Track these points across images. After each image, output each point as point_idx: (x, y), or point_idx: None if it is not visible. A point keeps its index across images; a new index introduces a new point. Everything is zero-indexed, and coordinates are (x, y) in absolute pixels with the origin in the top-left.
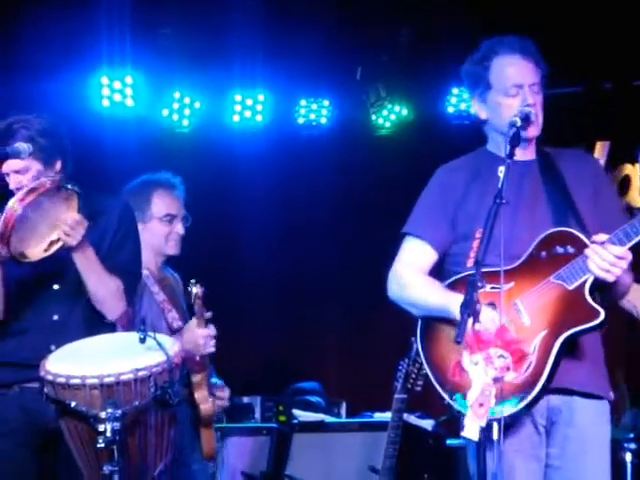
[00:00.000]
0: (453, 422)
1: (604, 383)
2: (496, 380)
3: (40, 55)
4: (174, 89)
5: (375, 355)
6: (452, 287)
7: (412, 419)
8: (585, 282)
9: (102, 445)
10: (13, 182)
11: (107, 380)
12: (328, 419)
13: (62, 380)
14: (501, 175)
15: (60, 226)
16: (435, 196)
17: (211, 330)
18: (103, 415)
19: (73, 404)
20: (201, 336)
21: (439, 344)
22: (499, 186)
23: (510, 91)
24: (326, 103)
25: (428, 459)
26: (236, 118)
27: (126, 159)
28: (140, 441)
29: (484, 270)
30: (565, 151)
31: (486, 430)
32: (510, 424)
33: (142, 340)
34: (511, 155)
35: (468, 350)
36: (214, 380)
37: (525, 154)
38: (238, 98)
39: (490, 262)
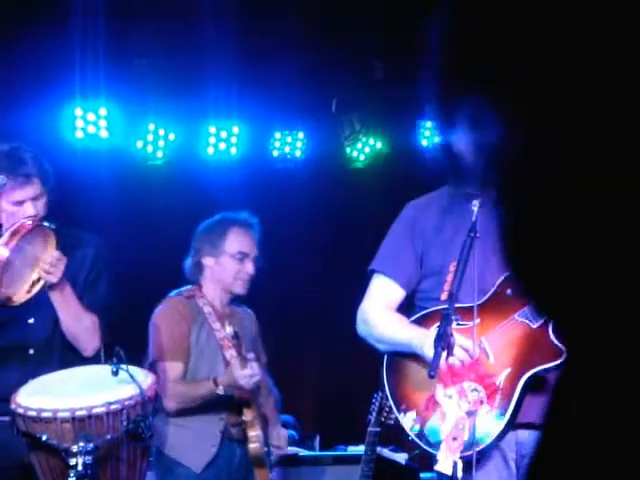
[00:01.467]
0: (426, 456)
1: None
2: (470, 414)
3: (12, 85)
4: (148, 120)
5: (349, 388)
6: (420, 322)
7: (385, 452)
8: (548, 321)
9: (73, 479)
10: (25, 212)
11: (79, 413)
12: (302, 452)
13: (33, 413)
14: (475, 209)
15: (40, 265)
16: (402, 232)
17: (250, 370)
18: (75, 449)
19: (44, 437)
20: (241, 377)
21: (405, 379)
22: (472, 219)
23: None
24: (301, 136)
25: None
26: (210, 150)
27: (99, 191)
28: (112, 475)
29: (440, 308)
30: None
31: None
32: (479, 459)
33: (115, 373)
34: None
35: (442, 384)
36: (275, 430)
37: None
38: (212, 130)
39: (460, 297)
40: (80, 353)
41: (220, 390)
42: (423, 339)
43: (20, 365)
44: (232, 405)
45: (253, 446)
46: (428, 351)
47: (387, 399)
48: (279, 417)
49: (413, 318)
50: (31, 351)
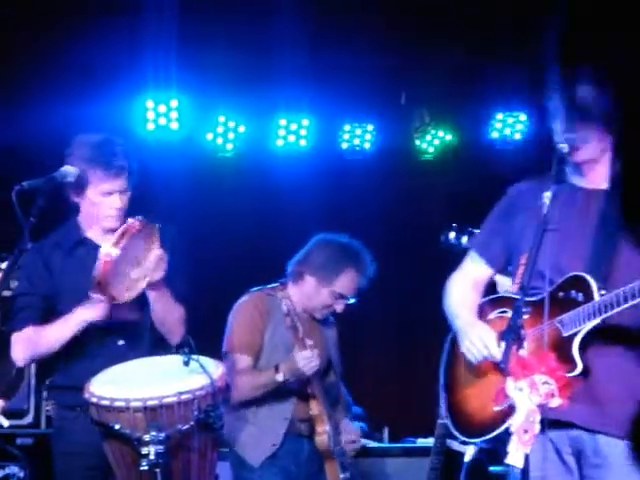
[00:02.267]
0: (496, 449)
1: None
2: (541, 407)
3: (85, 78)
4: (219, 113)
5: (419, 380)
6: (486, 305)
7: (455, 445)
8: (578, 332)
9: (145, 468)
10: (111, 204)
11: (150, 403)
12: (371, 444)
13: (106, 403)
14: (546, 201)
15: (143, 263)
16: (497, 215)
17: (309, 352)
18: (147, 438)
19: (117, 427)
20: (300, 358)
21: (459, 364)
22: (544, 212)
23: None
24: (370, 128)
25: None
26: (280, 142)
27: (169, 182)
28: (184, 464)
29: (506, 295)
30: None
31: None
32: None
33: (186, 363)
34: (556, 181)
35: (512, 376)
36: (348, 424)
37: (586, 181)
38: (282, 122)
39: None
40: (164, 344)
41: (280, 377)
42: (466, 327)
43: (109, 355)
44: (300, 399)
45: (319, 439)
46: (463, 340)
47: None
48: (349, 420)
49: (483, 300)
50: (121, 342)
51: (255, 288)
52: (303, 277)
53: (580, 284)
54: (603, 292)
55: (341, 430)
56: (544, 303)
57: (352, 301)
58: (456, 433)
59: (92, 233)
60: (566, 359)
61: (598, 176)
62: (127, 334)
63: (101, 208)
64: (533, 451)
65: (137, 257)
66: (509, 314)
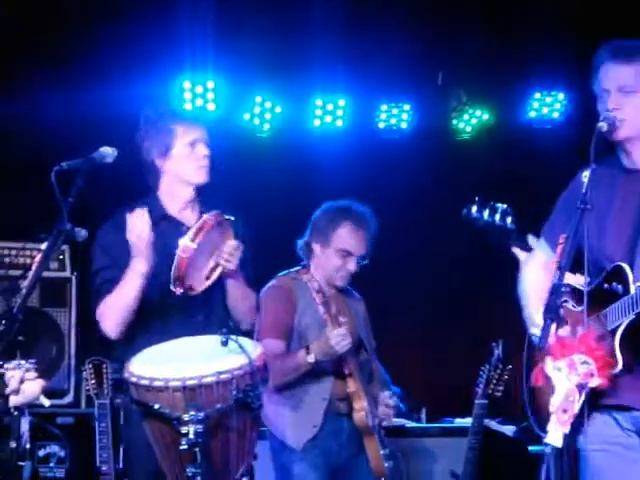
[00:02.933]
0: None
1: None
2: (580, 386)
3: (122, 59)
4: (255, 93)
5: (456, 360)
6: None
7: (493, 425)
8: (618, 327)
9: (185, 447)
10: (199, 152)
11: (190, 383)
12: (408, 424)
13: (145, 382)
14: (585, 180)
15: (218, 254)
16: (563, 198)
17: (343, 330)
18: (186, 417)
19: (156, 406)
20: (333, 336)
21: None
22: (582, 192)
23: (603, 96)
24: (407, 107)
25: (509, 465)
26: (317, 122)
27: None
28: (223, 444)
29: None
30: None
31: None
32: (590, 424)
33: (224, 343)
34: (593, 161)
35: (551, 356)
36: (388, 392)
37: (632, 162)
38: (319, 102)
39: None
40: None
41: (311, 358)
42: (532, 315)
43: (185, 331)
44: (337, 378)
45: (358, 415)
46: (530, 327)
47: (493, 371)
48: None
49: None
50: (199, 317)
51: (281, 273)
52: (311, 248)
53: (620, 275)
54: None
55: (378, 404)
56: (594, 294)
57: (364, 262)
58: (538, 431)
59: (173, 210)
60: (610, 354)
61: None
62: (204, 310)
63: (190, 160)
64: (594, 426)
65: (213, 248)
66: (569, 304)
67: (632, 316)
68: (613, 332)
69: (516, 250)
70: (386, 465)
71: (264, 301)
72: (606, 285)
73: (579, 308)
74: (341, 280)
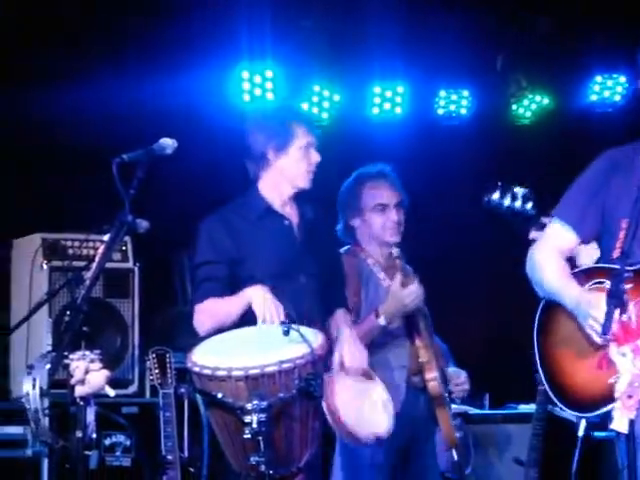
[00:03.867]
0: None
1: None
2: None
3: (181, 49)
4: (313, 82)
5: (519, 346)
6: (585, 275)
7: (557, 411)
8: None
9: (248, 436)
10: (312, 158)
11: (252, 372)
12: (472, 411)
13: (208, 372)
14: None
15: None
16: (590, 182)
17: (414, 286)
18: (249, 407)
19: (220, 395)
20: (407, 293)
21: (555, 333)
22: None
23: None
24: (466, 94)
25: (574, 451)
26: (375, 110)
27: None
28: (285, 432)
29: (604, 265)
30: None
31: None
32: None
33: (286, 332)
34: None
35: (616, 342)
36: (452, 369)
37: None
38: (377, 90)
39: (636, 255)
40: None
41: (382, 320)
42: (590, 299)
43: (291, 292)
44: (409, 350)
45: (432, 384)
46: (597, 313)
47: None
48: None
49: (575, 271)
50: (302, 279)
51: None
52: (351, 226)
53: None
54: None
55: (447, 377)
56: None
57: (404, 209)
58: (563, 407)
59: (276, 204)
60: None
61: None
62: (307, 273)
63: (303, 163)
64: None
65: None
66: (605, 284)
67: None
68: None
69: (535, 235)
70: (458, 435)
71: None
72: None
73: (628, 286)
74: (391, 234)
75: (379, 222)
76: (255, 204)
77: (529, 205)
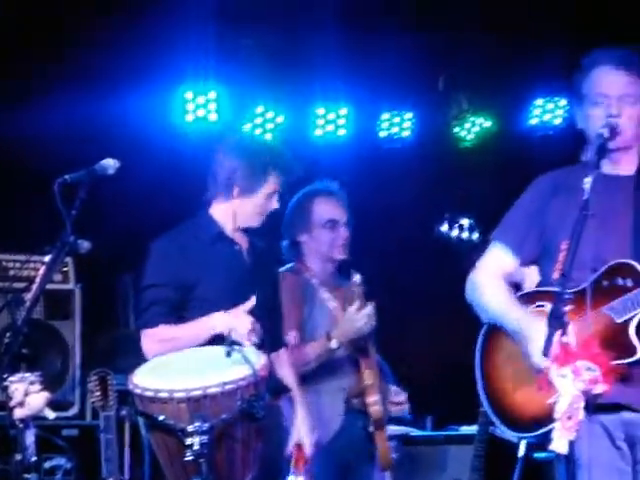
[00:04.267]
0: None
1: None
2: (585, 393)
3: (123, 69)
4: (257, 103)
5: (461, 368)
6: (526, 298)
7: (498, 432)
8: (633, 317)
9: (190, 458)
10: (273, 204)
11: (194, 394)
12: (414, 432)
13: (150, 394)
14: (587, 187)
15: None
16: (526, 203)
17: (369, 309)
18: (191, 429)
19: (161, 418)
20: (361, 317)
21: (497, 356)
22: (584, 198)
23: (597, 100)
24: (408, 116)
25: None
26: (319, 132)
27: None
28: (227, 454)
29: (544, 289)
30: None
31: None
32: (580, 436)
33: (228, 354)
34: (597, 166)
35: (556, 363)
36: (393, 388)
37: (619, 168)
38: (321, 112)
39: (575, 276)
40: None
41: (334, 343)
42: (531, 323)
43: None
44: (352, 372)
45: (374, 409)
46: (536, 335)
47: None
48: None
49: (517, 295)
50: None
51: (281, 268)
52: (297, 242)
53: (627, 271)
54: None
55: (388, 397)
56: (587, 292)
57: (349, 220)
58: (503, 428)
59: (227, 228)
60: (622, 345)
61: (629, 163)
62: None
63: (263, 207)
64: (581, 437)
65: None
66: (546, 307)
67: None
68: (625, 324)
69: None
70: (393, 456)
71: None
72: (605, 282)
73: (568, 307)
74: (339, 252)
75: (328, 238)
76: (207, 227)
77: (475, 235)
